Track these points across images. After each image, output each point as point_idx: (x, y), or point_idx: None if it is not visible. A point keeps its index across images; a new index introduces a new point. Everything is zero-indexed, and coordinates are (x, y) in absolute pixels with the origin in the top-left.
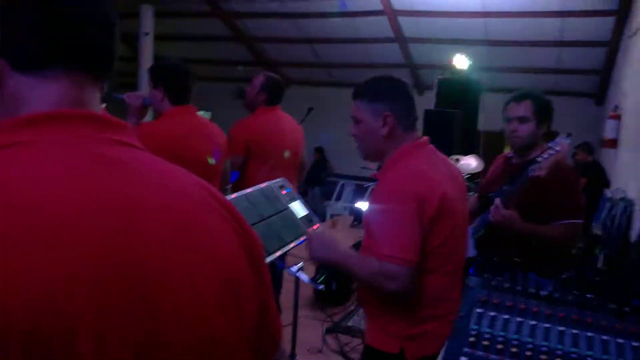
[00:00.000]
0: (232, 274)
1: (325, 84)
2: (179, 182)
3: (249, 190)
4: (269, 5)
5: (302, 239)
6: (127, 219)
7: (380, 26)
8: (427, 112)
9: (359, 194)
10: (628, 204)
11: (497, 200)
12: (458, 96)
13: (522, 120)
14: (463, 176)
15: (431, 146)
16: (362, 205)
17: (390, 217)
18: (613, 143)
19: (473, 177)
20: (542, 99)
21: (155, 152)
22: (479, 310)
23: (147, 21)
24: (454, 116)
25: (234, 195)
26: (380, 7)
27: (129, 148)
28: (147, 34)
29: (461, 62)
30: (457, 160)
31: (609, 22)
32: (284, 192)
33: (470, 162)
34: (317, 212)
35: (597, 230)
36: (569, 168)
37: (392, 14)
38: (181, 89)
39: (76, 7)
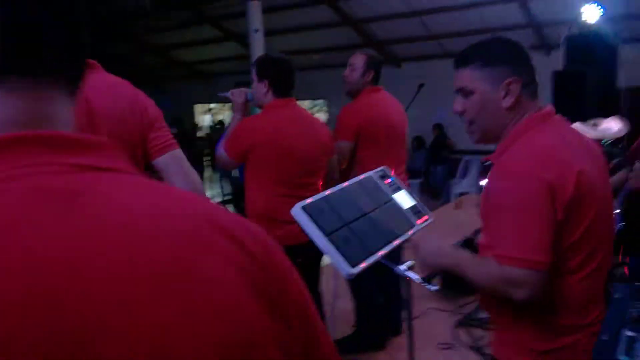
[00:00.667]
0: (232, 337)
1: (437, 56)
2: (158, 220)
3: (345, 184)
4: None
5: (409, 232)
6: (65, 287)
7: None
8: (556, 74)
9: (486, 170)
10: None
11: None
12: (590, 52)
13: None
14: (602, 149)
15: (558, 116)
16: None
17: (511, 210)
18: None
19: (617, 142)
20: None
21: (259, 145)
22: (629, 333)
23: (256, 18)
24: (586, 75)
25: (328, 192)
26: None
27: (95, 173)
28: (257, 30)
29: (591, 13)
30: (595, 125)
31: None
32: (387, 181)
33: (611, 126)
34: (441, 191)
35: None
36: None
37: None
38: (285, 82)
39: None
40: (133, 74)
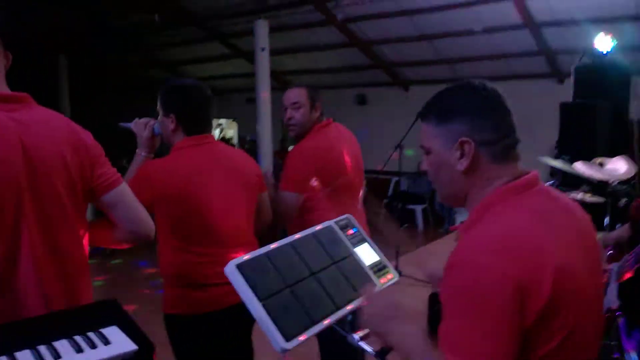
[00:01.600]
0: None
1: (446, 81)
2: None
3: (296, 236)
4: (382, 5)
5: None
6: None
7: (505, 12)
8: (563, 106)
9: None
10: None
11: None
12: (601, 84)
13: None
14: (592, 226)
15: (541, 186)
16: None
17: (467, 311)
18: None
19: (627, 181)
20: None
21: (165, 198)
22: None
23: (263, 36)
24: (597, 108)
25: (274, 245)
26: None
27: None
28: (263, 49)
29: (604, 43)
30: (601, 164)
31: None
32: (349, 232)
33: (618, 166)
34: (445, 218)
35: None
36: None
37: None
38: (196, 117)
39: None
40: (141, 87)
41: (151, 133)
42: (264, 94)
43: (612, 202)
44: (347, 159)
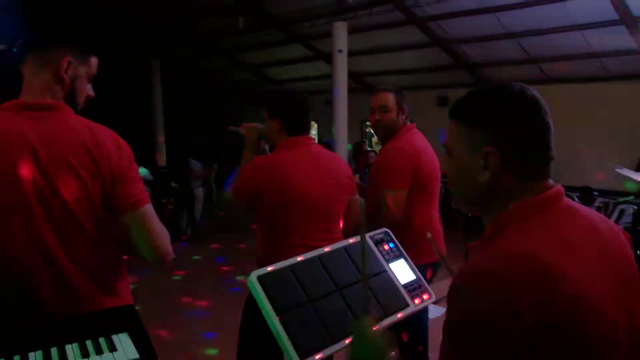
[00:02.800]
0: None
1: (536, 81)
2: None
3: (326, 249)
4: (464, 2)
5: (399, 314)
6: None
7: (598, 8)
8: None
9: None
10: None
11: None
12: None
13: None
14: (627, 246)
15: (564, 203)
16: None
17: (468, 344)
18: None
19: None
20: None
21: (267, 190)
22: None
23: (341, 38)
24: None
25: (301, 258)
26: None
27: None
28: (340, 51)
29: None
30: None
31: None
32: (385, 247)
33: None
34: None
35: None
36: None
37: None
38: (299, 120)
39: None
40: (227, 89)
41: (258, 135)
42: (341, 96)
43: None
44: (434, 162)
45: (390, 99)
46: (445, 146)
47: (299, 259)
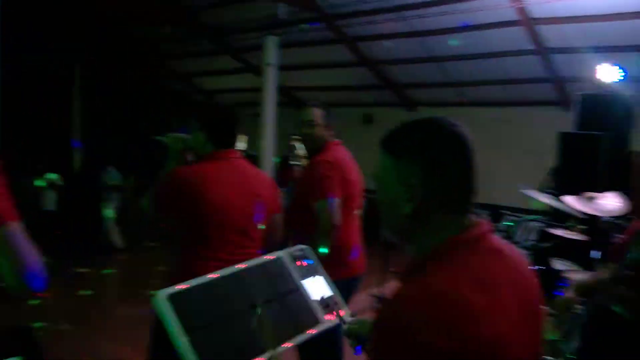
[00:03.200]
0: None
1: (455, 104)
2: None
3: (240, 266)
4: (393, 25)
5: (310, 331)
6: None
7: (515, 37)
8: (564, 136)
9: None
10: None
11: (603, 272)
12: (604, 115)
13: None
14: (537, 283)
15: (489, 242)
16: None
17: None
18: None
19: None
20: None
21: (185, 200)
22: None
23: (271, 52)
24: (598, 139)
25: (215, 275)
26: (515, 17)
27: None
28: (269, 64)
29: (608, 73)
30: (591, 198)
31: None
32: (302, 263)
33: (608, 203)
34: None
35: None
36: None
37: (529, 24)
38: (226, 133)
39: None
40: (156, 97)
41: (183, 146)
42: (270, 109)
43: (602, 237)
44: (358, 177)
45: (317, 114)
46: (374, 176)
47: (213, 276)
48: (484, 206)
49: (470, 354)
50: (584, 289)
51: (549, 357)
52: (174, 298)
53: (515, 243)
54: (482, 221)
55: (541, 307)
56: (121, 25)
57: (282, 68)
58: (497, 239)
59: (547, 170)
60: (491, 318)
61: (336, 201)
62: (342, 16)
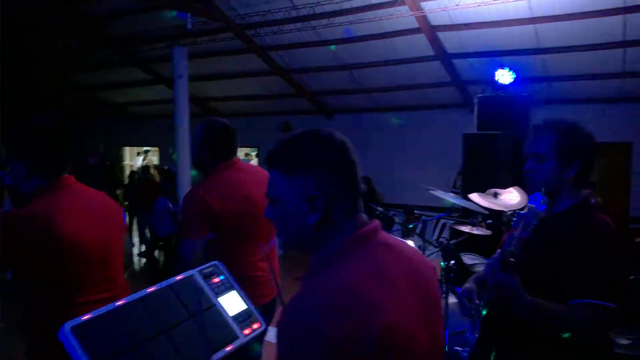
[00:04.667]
0: None
1: (368, 109)
2: None
3: (150, 289)
4: (302, 35)
5: (228, 347)
6: None
7: (419, 44)
8: (466, 137)
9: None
10: None
11: (492, 260)
12: (503, 115)
13: (539, 157)
14: (434, 275)
15: (381, 238)
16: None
17: None
18: None
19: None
20: (572, 131)
21: (26, 245)
22: None
23: (181, 63)
24: (497, 138)
25: (121, 302)
26: (416, 24)
27: None
28: (181, 76)
29: (504, 75)
30: (496, 194)
31: None
32: (215, 280)
33: (510, 197)
34: None
35: None
36: (601, 225)
37: (430, 31)
38: (59, 158)
39: None
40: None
41: (1, 183)
42: (184, 121)
43: (507, 230)
44: (254, 199)
45: (197, 132)
46: (267, 196)
47: (119, 303)
48: (398, 206)
49: (357, 343)
50: (481, 280)
51: (458, 348)
52: (77, 330)
53: (427, 241)
54: (374, 221)
55: (438, 297)
56: (17, 37)
57: (195, 78)
58: (388, 236)
59: (458, 169)
60: (383, 304)
61: (195, 242)
62: (251, 26)
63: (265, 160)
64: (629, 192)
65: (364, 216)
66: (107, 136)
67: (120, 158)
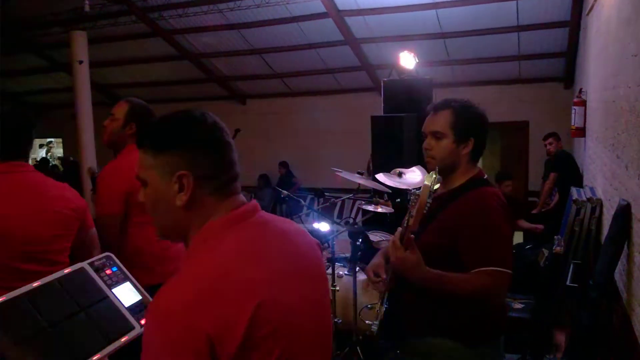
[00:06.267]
0: None
1: (281, 94)
2: None
3: (34, 284)
4: (209, 18)
5: (124, 338)
6: None
7: (328, 29)
8: (373, 119)
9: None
10: (596, 205)
11: (394, 237)
12: (407, 97)
13: (436, 135)
14: (317, 251)
15: (258, 217)
16: (322, 227)
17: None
18: (580, 132)
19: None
20: (466, 110)
21: None
22: None
23: (80, 48)
24: (402, 120)
25: (1, 299)
26: (323, 9)
27: None
28: (81, 62)
29: (407, 60)
30: (401, 174)
31: (567, 0)
32: (107, 272)
33: (414, 176)
34: None
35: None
36: (491, 198)
37: (337, 15)
38: (10, 142)
39: None
40: None
41: None
42: (85, 109)
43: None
44: None
45: (119, 108)
46: (138, 178)
47: (35, 284)
48: (310, 189)
49: (226, 328)
50: (386, 255)
51: (368, 321)
52: None
53: (334, 222)
54: (252, 201)
55: (321, 272)
56: None
57: (96, 65)
58: (267, 215)
59: (369, 153)
60: (256, 283)
61: (110, 218)
62: (154, 9)
63: (138, 140)
64: (527, 168)
65: (241, 197)
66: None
67: None
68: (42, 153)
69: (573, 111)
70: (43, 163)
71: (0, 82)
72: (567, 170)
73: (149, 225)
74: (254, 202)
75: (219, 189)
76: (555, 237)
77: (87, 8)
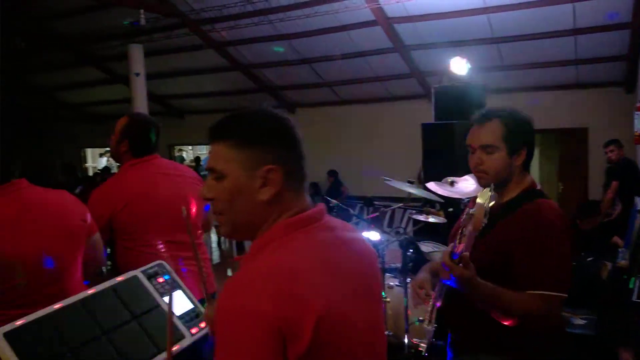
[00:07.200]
0: None
1: (331, 103)
2: None
3: (89, 291)
4: (260, 29)
5: (176, 347)
6: None
7: (377, 37)
8: (424, 127)
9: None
10: None
11: (444, 255)
12: (459, 104)
13: (487, 149)
14: (377, 266)
15: (326, 221)
16: (372, 236)
17: (229, 355)
18: None
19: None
20: (515, 118)
21: None
22: None
23: (137, 61)
24: (453, 127)
25: (58, 305)
26: (372, 17)
27: None
28: (138, 74)
29: (459, 66)
30: (453, 182)
31: (628, 1)
32: (159, 280)
33: (466, 185)
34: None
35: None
36: (549, 212)
37: (386, 23)
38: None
39: None
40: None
41: None
42: None
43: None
44: (162, 197)
45: (118, 123)
46: (211, 170)
47: (57, 306)
48: (359, 198)
49: (295, 325)
50: (434, 270)
51: (416, 340)
52: (11, 336)
53: (384, 231)
54: (320, 204)
55: (378, 284)
56: None
57: (152, 76)
58: (333, 220)
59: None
60: (322, 289)
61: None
62: (207, 21)
63: (210, 132)
64: (587, 177)
65: (309, 199)
66: (66, 138)
67: (82, 159)
68: (103, 161)
69: (636, 116)
70: (104, 171)
71: (63, 94)
72: (630, 179)
73: (136, 252)
74: (322, 205)
75: (297, 185)
76: (619, 249)
77: (142, 22)
